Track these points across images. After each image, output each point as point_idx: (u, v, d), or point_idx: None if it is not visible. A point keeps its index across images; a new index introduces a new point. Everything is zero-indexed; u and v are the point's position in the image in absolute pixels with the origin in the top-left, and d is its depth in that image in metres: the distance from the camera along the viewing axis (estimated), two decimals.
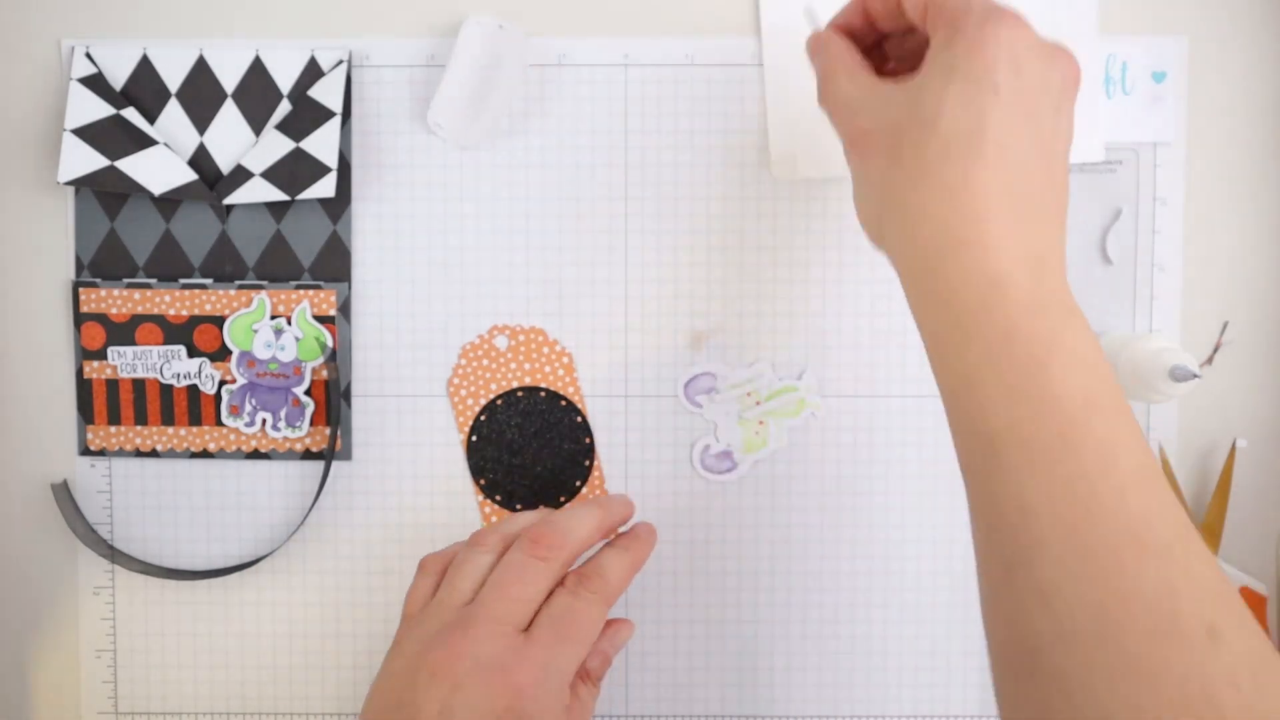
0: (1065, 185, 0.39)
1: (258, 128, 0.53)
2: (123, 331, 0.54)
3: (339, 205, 0.54)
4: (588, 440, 0.54)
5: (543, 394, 0.54)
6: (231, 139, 0.53)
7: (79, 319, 0.54)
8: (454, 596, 0.44)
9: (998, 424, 0.36)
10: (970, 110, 0.37)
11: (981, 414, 0.36)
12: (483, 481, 0.54)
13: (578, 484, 0.54)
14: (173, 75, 0.53)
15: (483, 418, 0.54)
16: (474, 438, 0.54)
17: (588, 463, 0.54)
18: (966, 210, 0.36)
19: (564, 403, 0.54)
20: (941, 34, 0.39)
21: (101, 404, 0.54)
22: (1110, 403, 0.35)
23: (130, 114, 0.52)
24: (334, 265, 0.54)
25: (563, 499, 0.54)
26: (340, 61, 0.53)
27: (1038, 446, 0.35)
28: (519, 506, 0.54)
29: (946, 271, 0.37)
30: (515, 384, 0.54)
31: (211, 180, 0.53)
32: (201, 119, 0.53)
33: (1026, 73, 0.37)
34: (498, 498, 0.54)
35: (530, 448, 0.54)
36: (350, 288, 0.54)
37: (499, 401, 0.54)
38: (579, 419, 0.54)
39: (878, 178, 0.39)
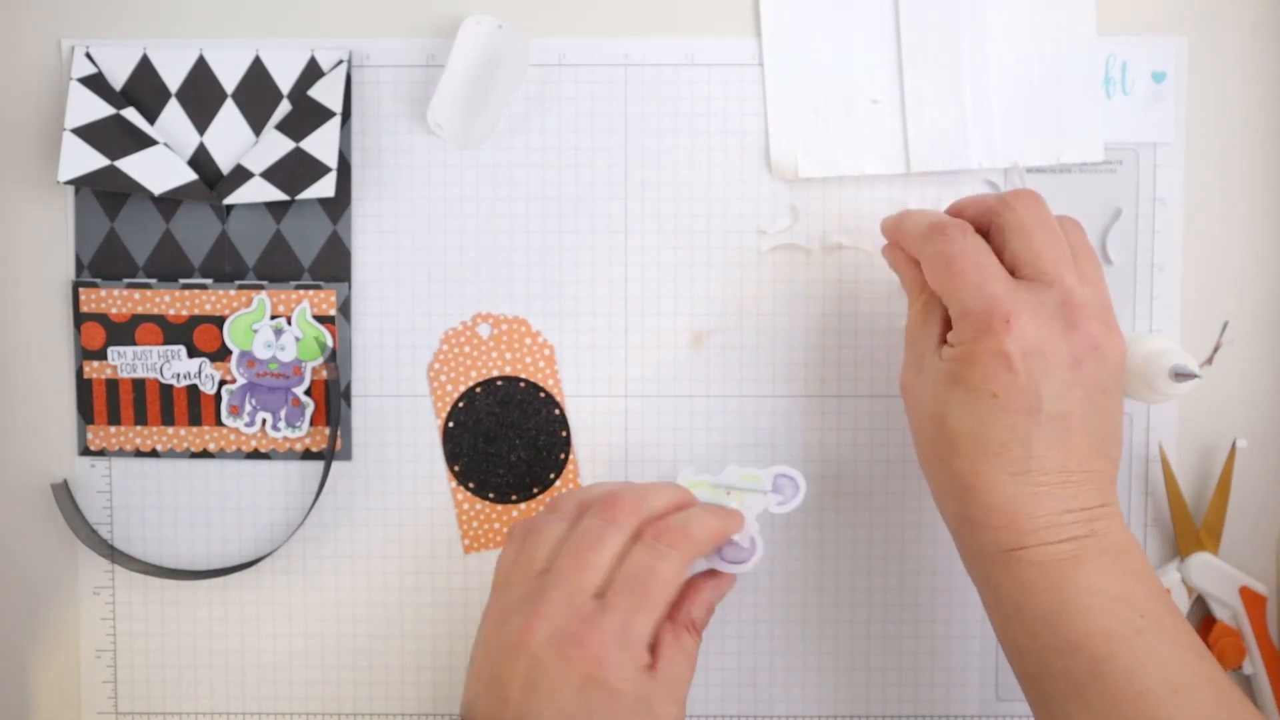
0: (1099, 441, 0.42)
1: (258, 128, 0.53)
2: (123, 331, 0.54)
3: (339, 205, 0.54)
4: (564, 434, 0.54)
5: (522, 384, 0.54)
6: (231, 139, 0.53)
7: (79, 319, 0.54)
8: (531, 565, 0.43)
9: (1033, 667, 0.42)
10: (969, 415, 0.42)
11: (1020, 657, 0.43)
12: (457, 468, 0.54)
13: (552, 476, 0.54)
14: (173, 75, 0.53)
15: (461, 404, 0.54)
16: (451, 424, 0.54)
17: (563, 456, 0.54)
18: (978, 499, 0.42)
19: (543, 394, 0.54)
20: (952, 332, 0.44)
21: (101, 404, 0.54)
22: (1131, 630, 0.40)
23: (130, 114, 0.52)
24: (334, 265, 0.54)
25: (536, 490, 0.54)
26: (340, 61, 0.53)
27: (1071, 682, 0.40)
28: (490, 495, 0.54)
29: (968, 540, 0.44)
30: (496, 373, 0.54)
31: (211, 180, 0.53)
32: (201, 119, 0.53)
33: (1022, 374, 0.41)
34: (470, 485, 0.54)
35: (506, 437, 0.54)
36: (350, 288, 0.54)
37: (478, 389, 0.54)
38: (557, 412, 0.54)
39: (914, 437, 0.46)
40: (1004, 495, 0.41)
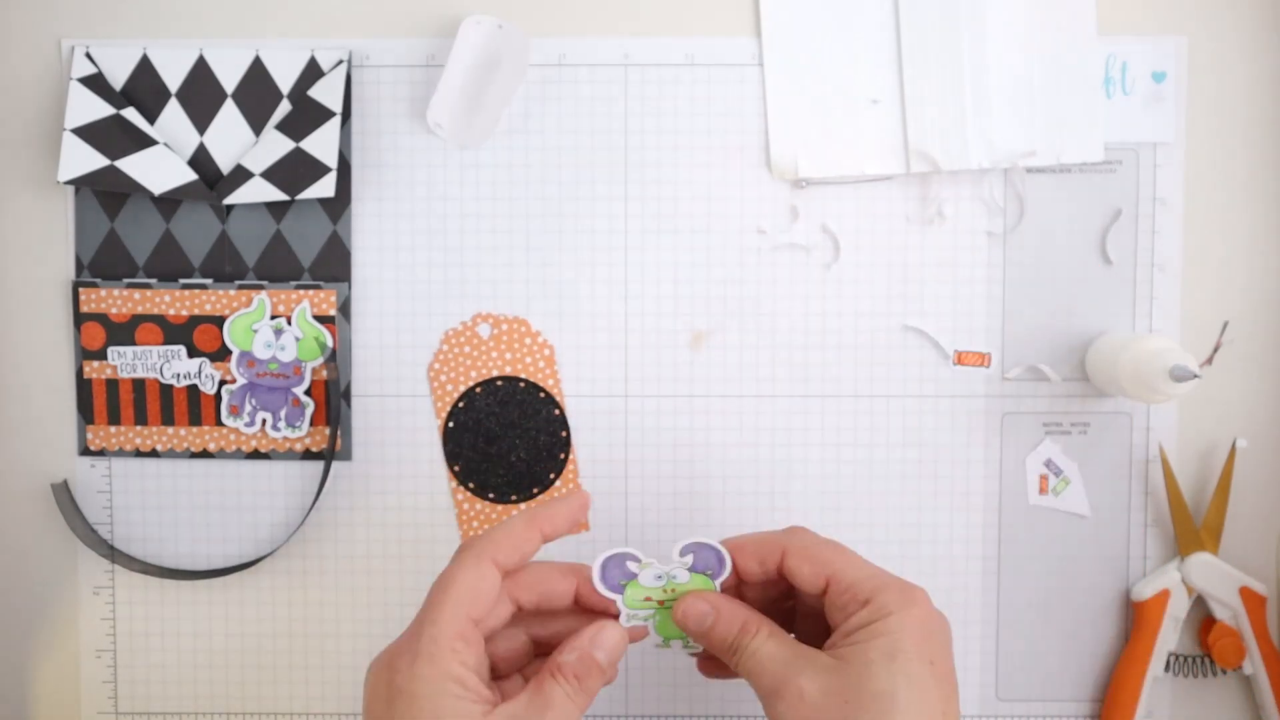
0: None
1: (258, 128, 0.53)
2: (123, 331, 0.54)
3: (339, 205, 0.54)
4: (564, 434, 0.54)
5: (522, 384, 0.54)
6: (231, 139, 0.53)
7: (79, 319, 0.54)
8: None
9: None
10: (917, 686, 0.40)
11: None
12: (457, 468, 0.54)
13: (552, 477, 0.54)
14: (173, 75, 0.53)
15: (461, 404, 0.54)
16: (451, 424, 0.54)
17: (563, 456, 0.54)
18: None
19: (543, 395, 0.54)
20: (863, 613, 0.41)
21: (101, 404, 0.54)
22: None
23: (130, 114, 0.52)
24: (334, 265, 0.54)
25: (535, 490, 0.54)
26: (340, 61, 0.53)
27: None
28: (490, 496, 0.54)
29: None
30: (496, 373, 0.54)
31: (211, 180, 0.53)
32: (201, 119, 0.53)
33: (938, 645, 0.41)
34: (471, 485, 0.54)
35: (507, 437, 0.54)
36: (350, 288, 0.54)
37: (478, 389, 0.54)
38: (557, 412, 0.54)
39: None
40: None
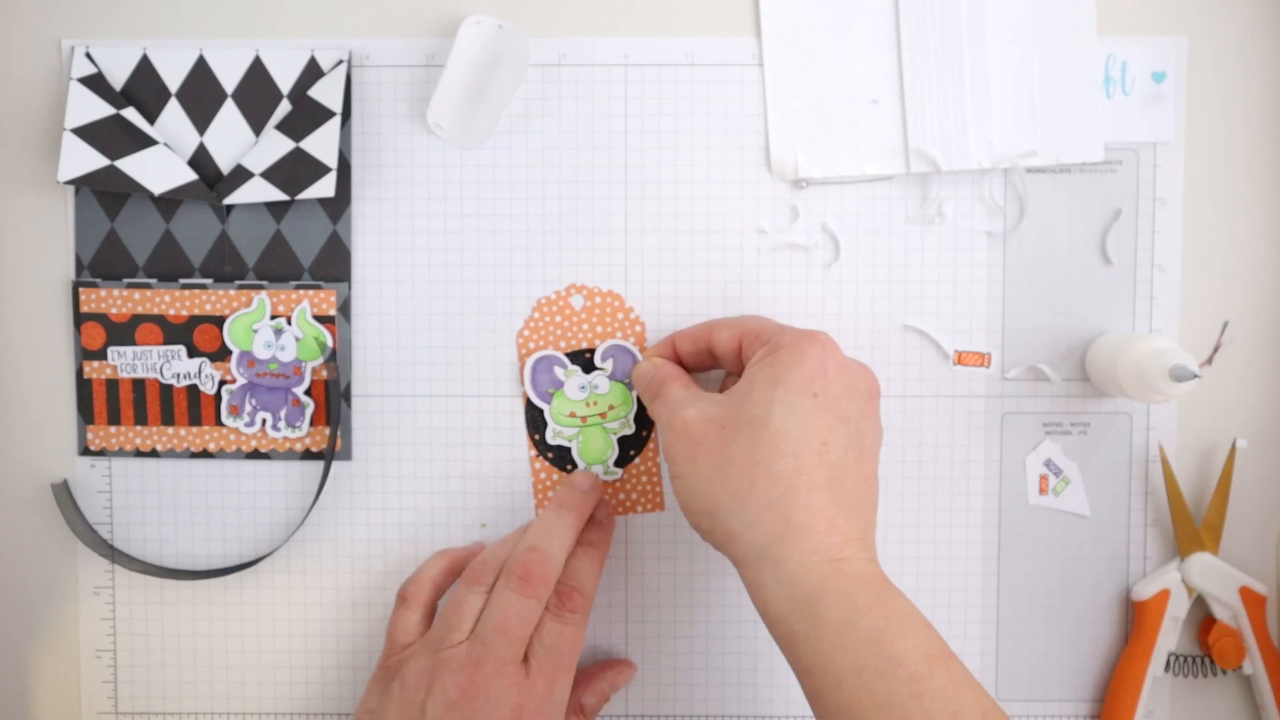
0: (875, 479, 0.46)
1: (258, 128, 0.53)
2: (123, 331, 0.54)
3: (339, 205, 0.54)
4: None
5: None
6: (231, 139, 0.53)
7: (79, 319, 0.54)
8: (453, 635, 0.47)
9: (851, 695, 0.39)
10: (795, 413, 0.43)
11: (837, 687, 0.40)
12: (537, 438, 0.54)
13: (631, 453, 0.54)
14: (173, 75, 0.53)
15: None
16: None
17: (645, 434, 0.54)
18: (802, 499, 0.42)
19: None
20: (761, 351, 0.46)
21: (101, 404, 0.54)
22: (943, 653, 0.40)
23: (130, 114, 0.52)
24: (334, 265, 0.54)
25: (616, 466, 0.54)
26: (340, 61, 0.53)
27: (892, 705, 0.39)
28: (569, 467, 0.54)
29: (789, 554, 0.42)
30: (584, 344, 0.54)
31: (211, 180, 0.53)
32: (201, 119, 0.53)
33: (835, 382, 0.44)
34: (550, 455, 0.54)
35: None
36: (350, 288, 0.54)
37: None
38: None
39: (708, 473, 0.44)
40: (825, 496, 0.43)
